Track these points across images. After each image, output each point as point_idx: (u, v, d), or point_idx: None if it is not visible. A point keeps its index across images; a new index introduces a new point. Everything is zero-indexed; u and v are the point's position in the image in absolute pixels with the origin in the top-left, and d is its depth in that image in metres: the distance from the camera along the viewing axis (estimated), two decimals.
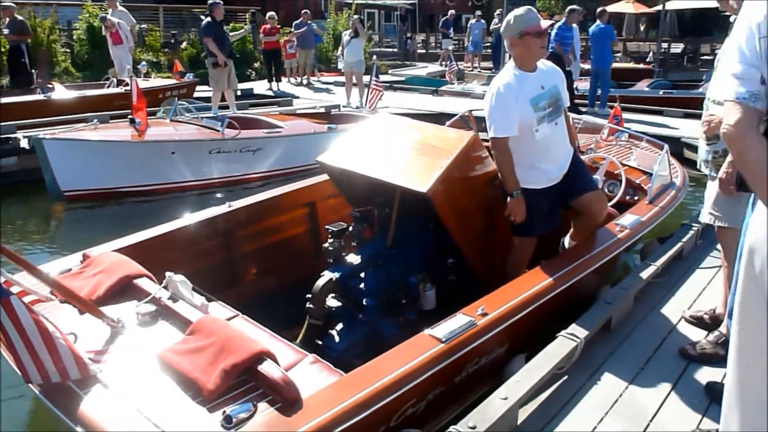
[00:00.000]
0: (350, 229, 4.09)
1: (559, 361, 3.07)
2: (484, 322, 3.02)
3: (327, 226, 4.05)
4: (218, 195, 7.80)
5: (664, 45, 19.27)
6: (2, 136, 8.32)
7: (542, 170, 3.80)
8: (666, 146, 5.26)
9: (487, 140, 3.95)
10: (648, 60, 18.84)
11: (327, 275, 3.72)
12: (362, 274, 3.83)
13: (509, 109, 3.58)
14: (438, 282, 3.97)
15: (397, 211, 3.95)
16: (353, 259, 3.88)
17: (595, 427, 2.84)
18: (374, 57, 14.76)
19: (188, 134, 8.10)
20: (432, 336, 2.84)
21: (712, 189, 3.37)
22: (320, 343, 3.65)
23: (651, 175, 4.88)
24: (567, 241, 4.29)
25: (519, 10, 3.61)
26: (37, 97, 10.64)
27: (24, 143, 7.87)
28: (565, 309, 3.68)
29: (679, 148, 8.54)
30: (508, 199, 3.76)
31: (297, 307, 3.77)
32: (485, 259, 4.04)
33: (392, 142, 3.92)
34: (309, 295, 3.68)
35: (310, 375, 2.61)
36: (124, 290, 3.13)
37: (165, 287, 3.09)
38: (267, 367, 2.43)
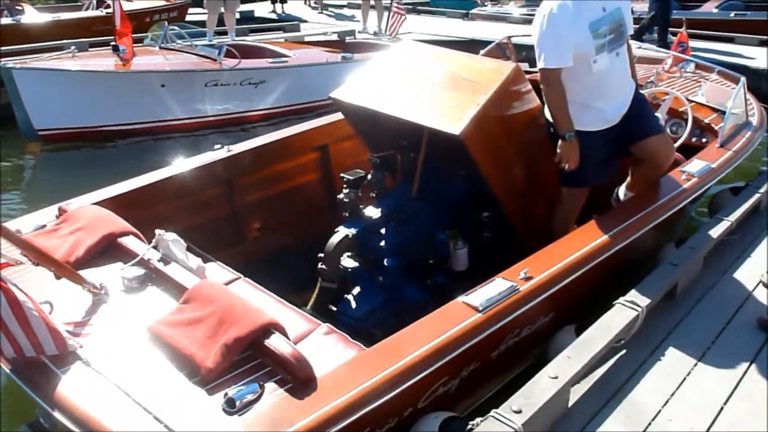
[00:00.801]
0: (369, 177, 4.12)
1: (617, 334, 3.03)
2: (527, 287, 3.01)
3: (342, 174, 4.07)
4: (215, 136, 7.78)
5: None
6: None
7: (599, 109, 3.75)
8: (743, 79, 5.12)
9: (529, 71, 3.90)
10: None
11: (342, 231, 3.74)
12: (383, 230, 3.87)
13: (563, 35, 3.51)
14: (471, 239, 3.99)
15: (424, 156, 3.95)
16: (372, 212, 3.92)
17: (659, 412, 2.79)
18: None
19: (180, 64, 8.06)
20: (466, 304, 2.85)
21: None
22: (334, 309, 3.70)
23: (723, 113, 4.79)
24: (622, 191, 4.26)
25: None
26: (4, 20, 10.54)
27: None
28: (622, 272, 3.65)
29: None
30: (560, 142, 3.72)
31: (307, 268, 3.81)
32: (527, 213, 4.04)
33: (418, 75, 3.89)
34: (321, 255, 3.71)
35: (325, 348, 2.62)
36: (107, 251, 3.12)
37: (155, 247, 3.07)
38: (275, 341, 2.42)
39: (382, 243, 3.82)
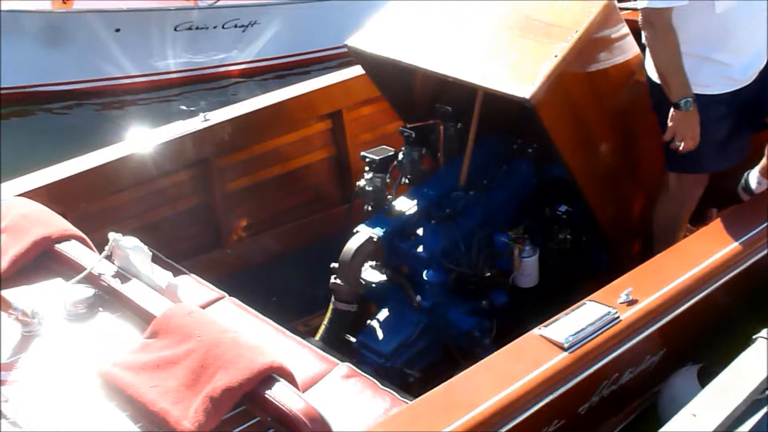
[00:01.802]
0: (400, 156, 4.14)
1: (762, 382, 2.88)
2: (631, 315, 2.97)
3: (362, 153, 4.11)
4: (187, 99, 7.79)
5: None
6: None
7: (723, 64, 3.68)
8: None
9: (624, 8, 3.88)
10: None
11: (363, 232, 3.75)
12: (420, 231, 3.88)
13: None
14: (543, 244, 4.00)
15: (477, 128, 3.94)
16: (405, 205, 3.92)
17: None
18: None
19: (141, 2, 8.01)
20: (546, 338, 2.83)
21: None
22: (354, 341, 3.74)
23: None
24: (755, 179, 4.22)
25: None
26: None
27: None
28: (757, 294, 3.66)
29: None
30: (672, 112, 3.63)
31: (316, 284, 3.89)
32: (621, 208, 4.05)
33: (471, 15, 3.90)
34: (334, 264, 3.72)
35: (346, 398, 2.67)
36: (40, 262, 3.09)
37: (108, 257, 3.03)
38: (279, 392, 2.39)
39: (420, 249, 3.82)
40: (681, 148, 3.72)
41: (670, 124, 3.68)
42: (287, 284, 3.94)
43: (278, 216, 4.67)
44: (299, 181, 4.78)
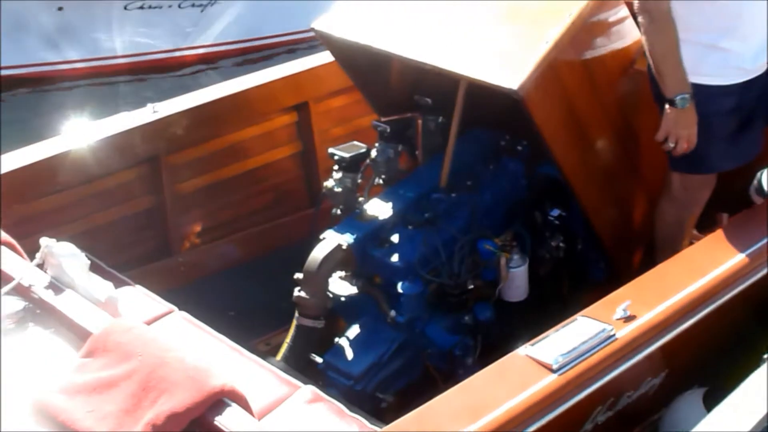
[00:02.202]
0: (373, 154, 4.15)
1: None
2: (629, 332, 2.98)
3: (331, 150, 4.12)
4: (135, 87, 7.78)
5: None
6: None
7: (730, 53, 3.69)
8: None
9: None
10: None
11: (331, 238, 3.77)
12: (395, 237, 3.88)
13: None
14: (533, 252, 4.01)
15: (460, 122, 3.94)
16: (378, 209, 3.94)
17: None
18: None
19: None
20: (533, 359, 2.83)
21: None
22: (320, 361, 3.74)
23: None
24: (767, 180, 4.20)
25: None
26: None
27: None
28: (763, 307, 3.68)
29: None
30: (666, 108, 3.66)
31: (277, 296, 3.91)
32: (619, 212, 4.09)
33: None
34: (299, 275, 3.74)
35: (307, 425, 2.68)
36: None
37: (40, 265, 3.04)
38: (232, 418, 2.40)
39: (395, 257, 3.81)
40: (675, 149, 3.76)
41: (663, 122, 3.71)
42: (245, 297, 3.96)
43: (236, 220, 4.67)
44: (260, 181, 4.78)
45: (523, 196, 4.17)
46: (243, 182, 4.70)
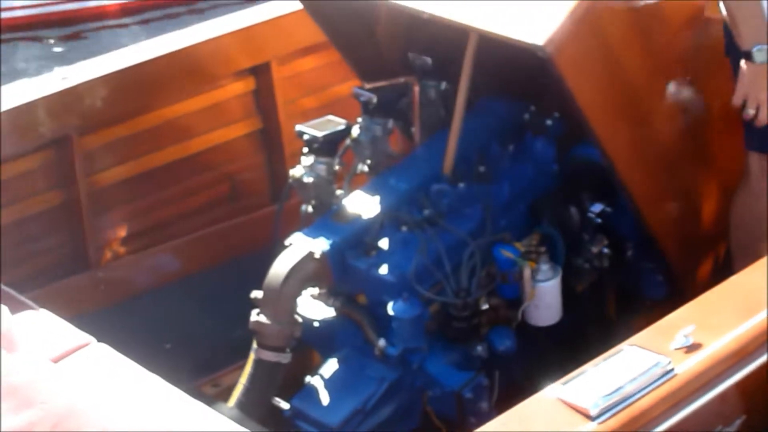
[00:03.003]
0: (355, 132, 4.18)
1: None
2: (692, 367, 2.94)
3: (299, 127, 4.15)
4: (38, 49, 7.84)
5: None
6: None
7: None
8: None
9: None
10: None
11: (300, 245, 3.78)
12: (384, 243, 3.89)
13: None
14: (568, 260, 4.04)
15: (469, 89, 3.94)
16: (362, 205, 3.96)
17: None
18: None
19: None
20: (567, 403, 2.81)
21: None
22: (286, 408, 3.76)
23: None
24: None
25: None
26: None
27: None
28: None
29: None
30: (741, 64, 3.71)
31: (228, 322, 3.94)
32: (682, 206, 4.11)
33: None
34: (257, 294, 3.75)
35: None
36: None
37: None
38: None
39: (384, 269, 3.80)
40: (756, 119, 3.74)
41: (738, 82, 3.74)
42: (186, 324, 3.93)
43: (174, 222, 4.66)
44: (206, 169, 4.77)
45: (553, 186, 4.18)
46: (183, 171, 4.69)
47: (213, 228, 4.67)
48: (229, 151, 4.83)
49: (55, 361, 2.95)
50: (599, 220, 4.05)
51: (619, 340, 3.07)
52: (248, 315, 3.74)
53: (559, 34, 3.44)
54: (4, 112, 4.15)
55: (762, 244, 3.91)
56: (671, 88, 4.02)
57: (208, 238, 4.63)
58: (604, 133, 3.78)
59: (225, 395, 3.78)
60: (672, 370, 2.91)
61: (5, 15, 8.02)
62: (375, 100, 4.17)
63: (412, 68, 4.26)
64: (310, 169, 4.07)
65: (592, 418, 2.74)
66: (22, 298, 3.40)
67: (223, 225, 4.68)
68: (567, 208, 4.10)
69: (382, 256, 3.85)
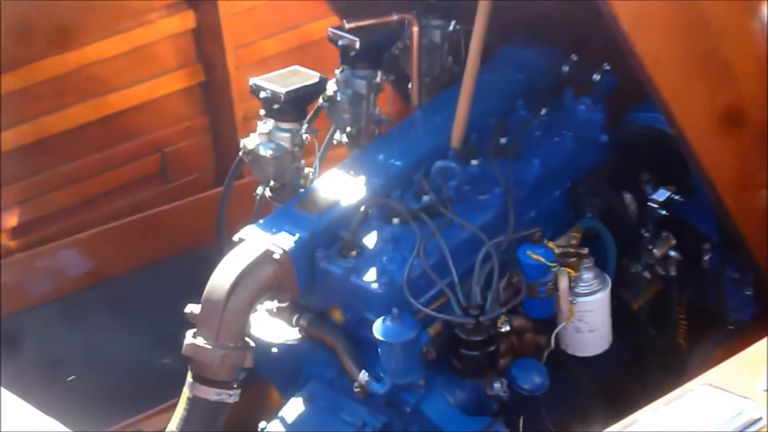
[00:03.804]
0: (330, 89, 4.24)
1: None
2: None
3: (254, 81, 4.11)
4: None
5: None
6: None
7: None
8: None
9: None
10: None
11: (252, 241, 3.76)
12: (368, 240, 3.90)
13: None
14: (620, 267, 4.06)
15: (485, 28, 3.97)
16: (339, 188, 4.00)
17: None
18: None
19: None
20: None
21: None
22: None
23: None
24: None
25: None
26: None
27: None
28: None
29: None
30: None
31: (156, 344, 3.90)
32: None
33: None
34: (193, 309, 3.70)
35: None
36: None
37: None
38: None
39: (369, 276, 3.74)
40: None
41: None
42: (98, 348, 3.86)
43: (83, 208, 4.62)
44: (128, 136, 4.71)
45: (601, 164, 4.19)
46: (95, 139, 4.66)
47: (136, 217, 4.61)
48: (160, 111, 4.78)
49: None
50: (664, 212, 4.03)
51: (688, 376, 2.98)
52: (181, 336, 3.65)
53: None
54: None
55: None
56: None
57: (129, 230, 4.56)
58: (672, 94, 3.69)
59: None
60: (760, 419, 2.81)
61: None
62: (358, 44, 4.16)
63: (409, 1, 4.18)
64: (269, 138, 4.01)
65: None
66: None
67: (150, 213, 4.64)
68: (620, 194, 4.10)
69: (365, 258, 3.79)
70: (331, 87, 4.18)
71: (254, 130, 4.05)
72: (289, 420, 3.73)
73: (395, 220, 3.83)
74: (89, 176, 4.58)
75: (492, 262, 3.75)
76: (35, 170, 4.49)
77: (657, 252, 3.99)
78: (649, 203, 4.02)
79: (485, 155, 4.03)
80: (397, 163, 4.01)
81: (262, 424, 3.75)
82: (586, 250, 3.84)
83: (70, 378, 3.79)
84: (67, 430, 2.97)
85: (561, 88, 4.15)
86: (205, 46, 4.77)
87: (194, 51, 4.80)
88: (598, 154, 4.12)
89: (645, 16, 3.59)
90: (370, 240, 3.84)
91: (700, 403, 2.83)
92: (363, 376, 3.64)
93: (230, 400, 3.63)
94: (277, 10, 4.83)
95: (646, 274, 3.99)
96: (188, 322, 3.68)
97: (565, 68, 4.13)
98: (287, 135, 4.04)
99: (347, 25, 4.20)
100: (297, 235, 3.70)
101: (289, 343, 3.85)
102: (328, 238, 3.81)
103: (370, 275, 3.73)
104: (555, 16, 3.90)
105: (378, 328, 3.60)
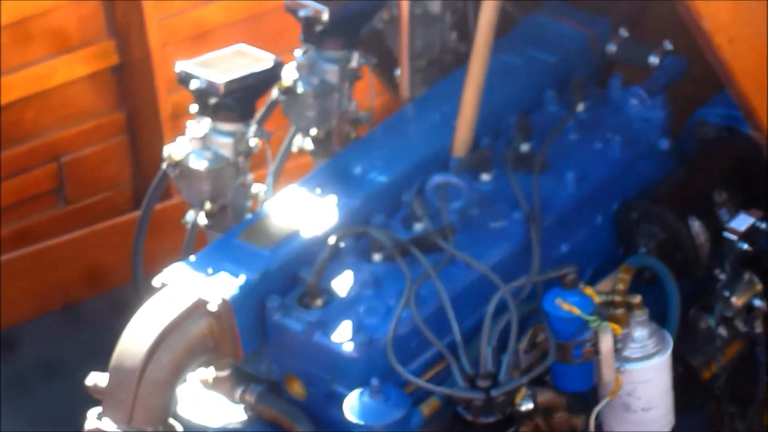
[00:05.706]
0: (290, 77, 4.27)
1: None
2: None
3: (182, 64, 4.23)
4: None
5: None
6: None
7: None
8: None
9: None
10: None
11: (180, 286, 3.74)
12: (339, 285, 3.87)
13: None
14: (684, 320, 4.03)
15: None
16: (301, 212, 4.02)
17: None
18: None
19: None
20: None
21: None
22: None
23: None
24: None
25: None
26: None
27: None
28: None
29: None
30: None
31: (46, 419, 3.84)
32: None
33: None
34: (95, 379, 3.68)
35: None
36: None
37: None
38: None
39: (337, 335, 3.68)
40: None
41: None
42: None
43: None
44: (16, 140, 4.51)
45: (661, 179, 4.15)
46: None
47: (25, 250, 4.42)
48: (55, 105, 4.59)
49: None
50: (746, 245, 3.92)
51: None
52: (82, 416, 3.53)
53: None
54: None
55: None
56: None
57: (12, 269, 4.29)
58: (754, 80, 3.70)
59: None
60: None
61: None
62: (327, 15, 4.13)
63: None
64: (204, 144, 3.98)
65: None
66: None
67: (45, 245, 4.44)
68: (686, 221, 4.00)
69: (334, 309, 3.73)
70: (289, 74, 3.98)
71: (183, 134, 3.82)
72: None
73: (376, 257, 3.79)
74: None
75: (508, 314, 3.67)
76: None
77: (736, 301, 3.81)
78: (726, 233, 3.81)
79: (501, 167, 3.81)
80: (381, 177, 3.91)
81: None
82: (638, 299, 3.62)
83: None
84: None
85: (606, 75, 3.95)
86: (120, 15, 4.50)
87: (104, 22, 4.51)
88: (657, 166, 3.96)
89: None
90: (342, 284, 3.76)
91: None
92: None
93: None
94: None
95: (722, 331, 3.78)
96: (92, 397, 3.61)
97: (612, 47, 3.94)
98: (228, 140, 4.02)
99: None
100: (241, 278, 3.67)
101: (230, 427, 3.67)
102: (285, 282, 3.75)
103: (342, 333, 3.64)
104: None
105: (352, 407, 3.52)
